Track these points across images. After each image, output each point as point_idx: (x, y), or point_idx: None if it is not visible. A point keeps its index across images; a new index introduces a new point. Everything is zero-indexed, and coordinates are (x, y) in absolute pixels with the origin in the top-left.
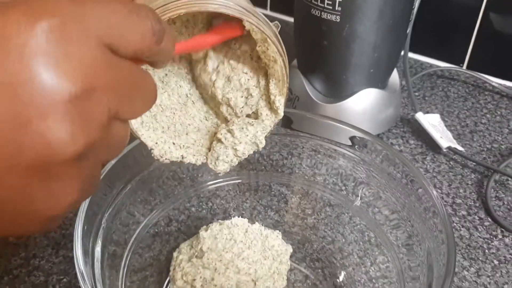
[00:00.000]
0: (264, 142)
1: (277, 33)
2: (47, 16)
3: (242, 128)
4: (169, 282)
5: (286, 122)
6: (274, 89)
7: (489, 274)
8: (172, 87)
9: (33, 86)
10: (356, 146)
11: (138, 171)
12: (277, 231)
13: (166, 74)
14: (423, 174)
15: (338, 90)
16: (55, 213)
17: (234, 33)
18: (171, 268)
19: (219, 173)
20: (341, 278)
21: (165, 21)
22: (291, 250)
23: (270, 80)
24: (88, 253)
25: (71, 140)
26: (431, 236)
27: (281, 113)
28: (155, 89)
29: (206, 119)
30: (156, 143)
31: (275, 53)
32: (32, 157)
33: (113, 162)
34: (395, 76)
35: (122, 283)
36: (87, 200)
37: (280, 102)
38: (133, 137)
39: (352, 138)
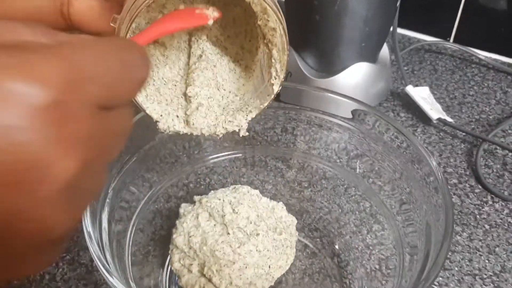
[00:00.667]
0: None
1: (276, 1)
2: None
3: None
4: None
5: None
6: (275, 58)
7: (481, 238)
8: (172, 60)
9: (34, 172)
10: (354, 117)
11: (135, 150)
12: (281, 202)
13: (167, 48)
14: (419, 141)
15: (330, 65)
16: (53, 236)
17: (198, 22)
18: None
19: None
20: (338, 246)
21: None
22: (296, 221)
23: (272, 52)
24: (95, 225)
25: (63, 222)
26: (428, 202)
27: (276, 88)
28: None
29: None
30: (161, 115)
31: (274, 21)
32: (26, 240)
33: None
34: (385, 50)
35: (128, 257)
36: None
37: (278, 73)
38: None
39: (353, 111)
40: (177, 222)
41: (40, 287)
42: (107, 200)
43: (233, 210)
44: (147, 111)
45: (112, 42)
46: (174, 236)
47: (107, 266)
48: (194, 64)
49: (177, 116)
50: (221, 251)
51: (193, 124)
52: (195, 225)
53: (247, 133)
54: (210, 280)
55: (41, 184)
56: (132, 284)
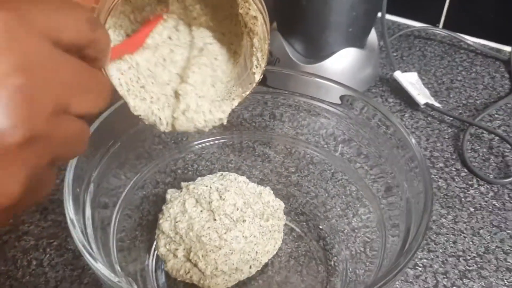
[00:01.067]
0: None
1: None
2: None
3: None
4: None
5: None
6: (256, 47)
7: (465, 221)
8: (164, 58)
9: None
10: (343, 103)
11: (119, 134)
12: (268, 187)
13: (158, 48)
14: (404, 125)
15: (317, 51)
16: (7, 204)
17: (158, 19)
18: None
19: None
20: (324, 229)
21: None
22: (283, 205)
23: (253, 41)
24: (79, 212)
25: (15, 127)
26: (411, 185)
27: (257, 77)
28: (107, 86)
29: None
30: (144, 113)
31: (255, 10)
32: None
33: (96, 124)
34: (373, 36)
35: (113, 242)
36: (73, 164)
37: (260, 62)
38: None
39: (342, 97)
40: (163, 207)
41: (28, 272)
42: (91, 185)
43: (220, 196)
44: (130, 108)
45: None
46: (160, 221)
47: (91, 251)
48: (194, 59)
49: (160, 118)
50: (207, 237)
51: (179, 127)
52: (182, 211)
53: (225, 122)
54: (195, 265)
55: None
56: (117, 267)
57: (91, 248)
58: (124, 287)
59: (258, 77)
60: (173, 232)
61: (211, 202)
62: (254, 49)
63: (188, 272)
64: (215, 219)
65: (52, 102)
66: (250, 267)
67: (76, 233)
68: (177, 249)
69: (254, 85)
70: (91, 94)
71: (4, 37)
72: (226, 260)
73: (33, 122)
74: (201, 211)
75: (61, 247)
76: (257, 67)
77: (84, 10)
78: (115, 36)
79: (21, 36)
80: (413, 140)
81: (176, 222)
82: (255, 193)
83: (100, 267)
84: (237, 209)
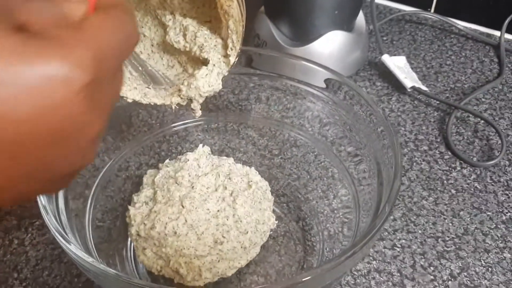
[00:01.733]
0: (220, 85)
1: None
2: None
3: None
4: None
5: (247, 61)
6: (231, 29)
7: (446, 202)
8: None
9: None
10: (328, 87)
11: None
12: (252, 167)
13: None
14: (383, 112)
15: (304, 34)
16: (92, 136)
17: None
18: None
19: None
20: (304, 210)
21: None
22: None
23: (229, 23)
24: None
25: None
26: (385, 169)
27: (232, 59)
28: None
29: (170, 68)
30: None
31: None
32: (76, 78)
33: None
34: (361, 20)
35: (89, 222)
36: None
37: (235, 44)
38: None
39: (326, 80)
40: (133, 196)
41: (9, 251)
42: None
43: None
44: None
45: (118, 18)
46: (130, 212)
47: (62, 232)
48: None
49: (135, 88)
50: (185, 236)
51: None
52: (150, 209)
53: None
54: (176, 271)
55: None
56: (92, 247)
57: (64, 230)
58: (98, 266)
59: (233, 59)
60: (143, 232)
61: (193, 186)
62: (230, 31)
63: (161, 270)
64: (195, 209)
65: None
66: (239, 262)
67: (49, 218)
68: (145, 249)
69: (229, 67)
70: (135, 35)
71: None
72: (211, 268)
73: (105, 60)
74: (179, 200)
75: (43, 226)
76: (232, 49)
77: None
78: None
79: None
80: (389, 125)
81: (145, 221)
82: (243, 174)
83: (72, 248)
84: (223, 199)
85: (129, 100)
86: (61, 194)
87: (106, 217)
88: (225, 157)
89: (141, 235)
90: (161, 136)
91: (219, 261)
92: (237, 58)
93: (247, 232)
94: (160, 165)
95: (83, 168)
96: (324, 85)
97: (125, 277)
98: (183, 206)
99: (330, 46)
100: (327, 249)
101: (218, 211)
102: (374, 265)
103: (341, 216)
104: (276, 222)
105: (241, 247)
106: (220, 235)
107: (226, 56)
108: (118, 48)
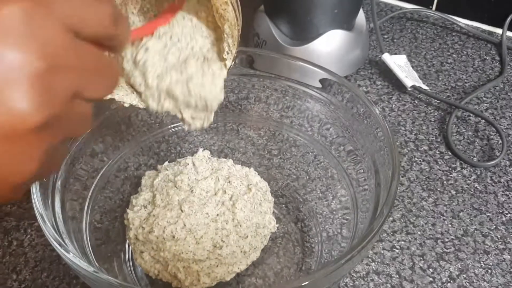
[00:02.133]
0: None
1: None
2: (17, 2)
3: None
4: None
5: (248, 62)
6: (227, 33)
7: (446, 203)
8: None
9: (7, 59)
10: (324, 87)
11: (100, 113)
12: (251, 168)
13: None
14: (380, 113)
15: (304, 33)
16: (18, 181)
17: (177, 8)
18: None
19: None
20: (303, 211)
21: (120, 9)
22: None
23: (224, 27)
24: (46, 200)
25: (35, 110)
26: (382, 170)
27: (228, 63)
28: (117, 74)
29: None
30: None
31: None
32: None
33: None
34: (361, 18)
35: (87, 225)
36: None
37: (231, 48)
38: None
39: (322, 80)
40: (132, 199)
41: (8, 253)
42: (62, 167)
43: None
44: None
45: None
46: (128, 215)
47: (61, 241)
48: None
49: (132, 92)
50: (184, 241)
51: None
52: (149, 213)
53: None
54: (175, 276)
55: (12, 70)
56: (89, 251)
57: (61, 237)
58: (102, 277)
59: (229, 63)
60: (141, 235)
61: (192, 189)
62: (225, 35)
63: (158, 274)
64: (194, 213)
65: (70, 88)
66: (238, 267)
67: (47, 228)
68: (142, 252)
69: (225, 71)
70: (104, 81)
71: (27, 25)
72: (210, 273)
73: (51, 106)
74: (178, 204)
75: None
76: (228, 53)
77: (109, 5)
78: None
79: (43, 25)
80: (386, 125)
81: (143, 224)
82: (243, 176)
83: (71, 257)
84: (222, 203)
85: (126, 105)
86: (57, 197)
87: (104, 219)
88: (224, 159)
89: (139, 239)
90: (160, 136)
91: (217, 265)
92: (233, 62)
93: (247, 237)
94: (159, 167)
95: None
96: (321, 85)
97: (125, 285)
98: (182, 210)
99: (330, 45)
100: (326, 250)
101: (217, 215)
102: (373, 267)
103: (340, 217)
104: (277, 225)
105: (241, 252)
106: (220, 239)
107: (222, 60)
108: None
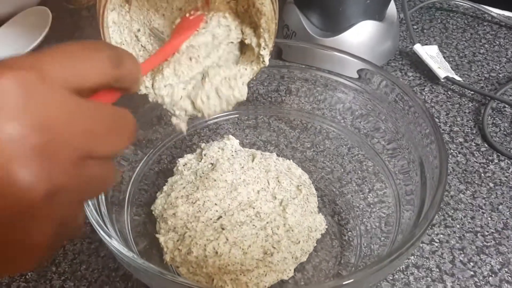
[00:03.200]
0: (246, 90)
1: None
2: (13, 71)
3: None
4: None
5: (276, 53)
6: (263, 28)
7: (485, 196)
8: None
9: (1, 134)
10: (361, 78)
11: (135, 109)
12: (290, 160)
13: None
14: (422, 101)
15: (335, 24)
16: (34, 253)
17: (195, 27)
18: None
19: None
20: (340, 204)
21: (121, 47)
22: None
23: (261, 21)
24: None
25: (37, 183)
26: (426, 161)
27: (266, 58)
28: (130, 123)
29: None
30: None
31: None
32: (3, 203)
33: None
34: (392, 8)
35: (127, 216)
36: None
37: (267, 43)
38: None
39: (360, 71)
40: (158, 194)
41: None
42: None
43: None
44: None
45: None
46: (160, 241)
47: (104, 227)
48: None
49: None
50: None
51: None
52: (183, 234)
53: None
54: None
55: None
56: (131, 241)
57: (104, 224)
58: (138, 261)
59: (266, 59)
60: (178, 257)
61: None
62: (261, 30)
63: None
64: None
65: (74, 153)
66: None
67: (90, 211)
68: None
69: (263, 65)
70: (115, 136)
71: (23, 97)
72: (258, 283)
73: (55, 175)
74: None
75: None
76: (264, 49)
77: (105, 48)
78: (123, 36)
79: (40, 94)
80: (431, 116)
81: (179, 246)
82: (287, 170)
83: (114, 243)
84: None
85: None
86: None
87: (141, 211)
88: (268, 153)
89: (177, 260)
90: (192, 129)
91: (266, 274)
92: (269, 57)
93: (299, 242)
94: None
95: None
96: (356, 75)
97: (169, 275)
98: (222, 228)
99: (361, 36)
100: (364, 244)
101: (267, 223)
102: (412, 261)
103: (377, 211)
104: (326, 227)
105: (292, 258)
106: (270, 246)
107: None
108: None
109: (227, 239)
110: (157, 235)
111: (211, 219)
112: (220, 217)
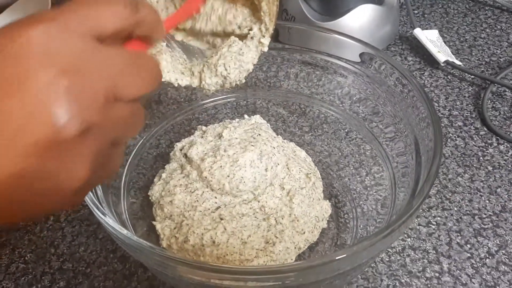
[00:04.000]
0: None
1: None
2: (38, 24)
3: (232, 58)
4: None
5: (274, 35)
6: (264, 11)
7: (483, 179)
8: None
9: (35, 80)
10: (362, 61)
11: None
12: (292, 142)
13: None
14: (421, 84)
15: (334, 8)
16: (72, 187)
17: None
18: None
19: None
20: (337, 187)
21: None
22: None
23: (261, 4)
24: None
25: (71, 121)
26: (422, 144)
27: (266, 41)
28: (155, 68)
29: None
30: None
31: None
32: (42, 138)
33: None
34: None
35: (124, 200)
36: None
37: (268, 26)
38: None
39: (361, 54)
40: (156, 180)
41: (45, 228)
42: None
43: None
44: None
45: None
46: (157, 228)
47: (100, 206)
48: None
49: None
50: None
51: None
52: (180, 223)
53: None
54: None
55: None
56: (129, 226)
57: (101, 204)
58: (133, 239)
59: (267, 41)
60: (175, 245)
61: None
62: (262, 14)
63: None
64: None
65: (102, 93)
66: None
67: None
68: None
69: (265, 49)
70: (140, 78)
71: (49, 45)
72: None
73: (87, 114)
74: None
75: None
76: (266, 31)
77: None
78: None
79: (64, 41)
80: (428, 99)
81: (176, 234)
82: (292, 155)
83: (108, 221)
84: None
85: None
86: None
87: (139, 194)
88: (275, 135)
89: (174, 248)
90: (190, 113)
91: (266, 264)
92: (269, 40)
93: (304, 233)
94: (199, 127)
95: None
96: (357, 59)
97: (160, 249)
98: (221, 219)
99: (360, 20)
100: (361, 226)
101: (270, 214)
102: (409, 242)
103: (374, 194)
104: (331, 212)
105: (295, 248)
106: (273, 236)
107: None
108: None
109: (225, 229)
110: (154, 222)
111: (209, 209)
112: (219, 207)
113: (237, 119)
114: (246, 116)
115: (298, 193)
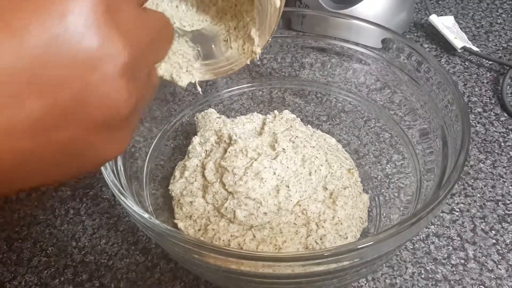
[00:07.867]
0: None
1: None
2: None
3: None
4: None
5: (285, 23)
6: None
7: (505, 165)
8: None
9: (91, 58)
10: (384, 47)
11: None
12: (319, 130)
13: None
14: (444, 67)
15: None
16: (115, 156)
17: None
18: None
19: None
20: (358, 176)
21: None
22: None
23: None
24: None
25: (128, 99)
26: (449, 129)
27: (256, 48)
28: (173, 31)
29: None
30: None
31: None
32: (99, 115)
33: None
34: None
35: (146, 191)
36: None
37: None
38: None
39: (383, 40)
40: (177, 173)
41: (66, 221)
42: None
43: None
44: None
45: None
46: (180, 226)
47: (122, 190)
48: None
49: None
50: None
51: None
52: (206, 226)
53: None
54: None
55: (106, 66)
56: (151, 212)
57: (123, 188)
58: (154, 222)
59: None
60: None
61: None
62: (258, 19)
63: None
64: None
65: (148, 66)
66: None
67: (108, 174)
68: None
69: (272, 31)
70: (165, 43)
71: (107, 16)
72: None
73: (139, 90)
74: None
75: (96, 196)
76: (259, 45)
77: None
78: None
79: (122, 12)
80: (453, 82)
81: (201, 236)
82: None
83: (131, 204)
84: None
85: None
86: (119, 159)
87: (159, 186)
88: (309, 126)
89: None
90: (206, 105)
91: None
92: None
93: (347, 237)
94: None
95: (118, 117)
96: (375, 45)
97: (182, 235)
98: (251, 226)
99: (375, 8)
100: (384, 214)
101: (311, 219)
102: (433, 230)
103: (396, 181)
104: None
105: None
106: (313, 241)
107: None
108: None
109: (254, 236)
110: (175, 221)
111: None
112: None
113: (268, 115)
114: (276, 111)
115: (341, 195)
